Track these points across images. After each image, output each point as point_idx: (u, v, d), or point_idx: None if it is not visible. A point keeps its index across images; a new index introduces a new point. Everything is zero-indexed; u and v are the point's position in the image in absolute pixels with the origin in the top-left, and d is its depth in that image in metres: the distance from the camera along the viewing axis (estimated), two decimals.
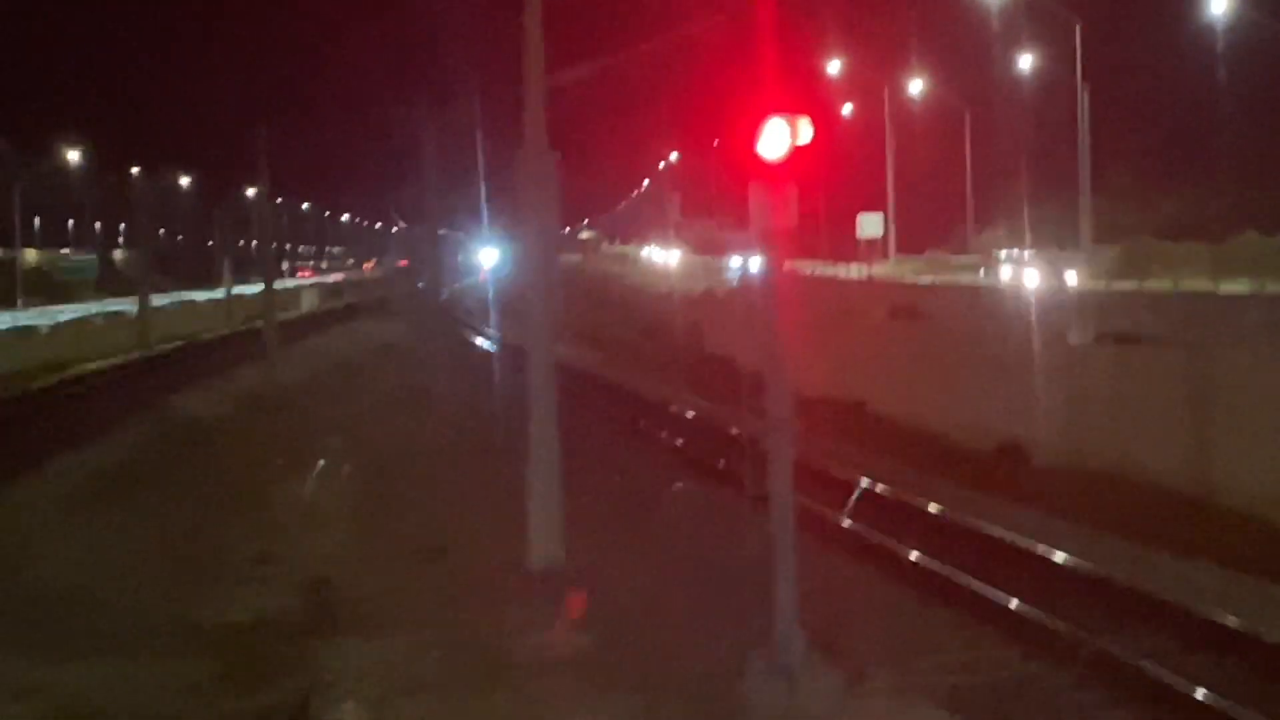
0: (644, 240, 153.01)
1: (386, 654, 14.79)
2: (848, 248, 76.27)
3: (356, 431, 32.68)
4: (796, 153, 11.47)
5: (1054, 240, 66.41)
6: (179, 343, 68.55)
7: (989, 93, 78.86)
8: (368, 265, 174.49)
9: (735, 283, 51.14)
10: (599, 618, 15.25)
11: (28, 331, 66.96)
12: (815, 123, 11.65)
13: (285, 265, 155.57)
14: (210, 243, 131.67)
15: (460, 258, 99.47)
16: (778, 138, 11.42)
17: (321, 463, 26.86)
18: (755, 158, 11.49)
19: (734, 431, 29.40)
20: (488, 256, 40.03)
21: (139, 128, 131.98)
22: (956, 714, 13.02)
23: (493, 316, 61.47)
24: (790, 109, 11.48)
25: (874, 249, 76.86)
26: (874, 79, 79.92)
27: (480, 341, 62.28)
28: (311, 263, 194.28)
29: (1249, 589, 17.20)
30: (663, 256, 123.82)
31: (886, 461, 27.37)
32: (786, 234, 11.87)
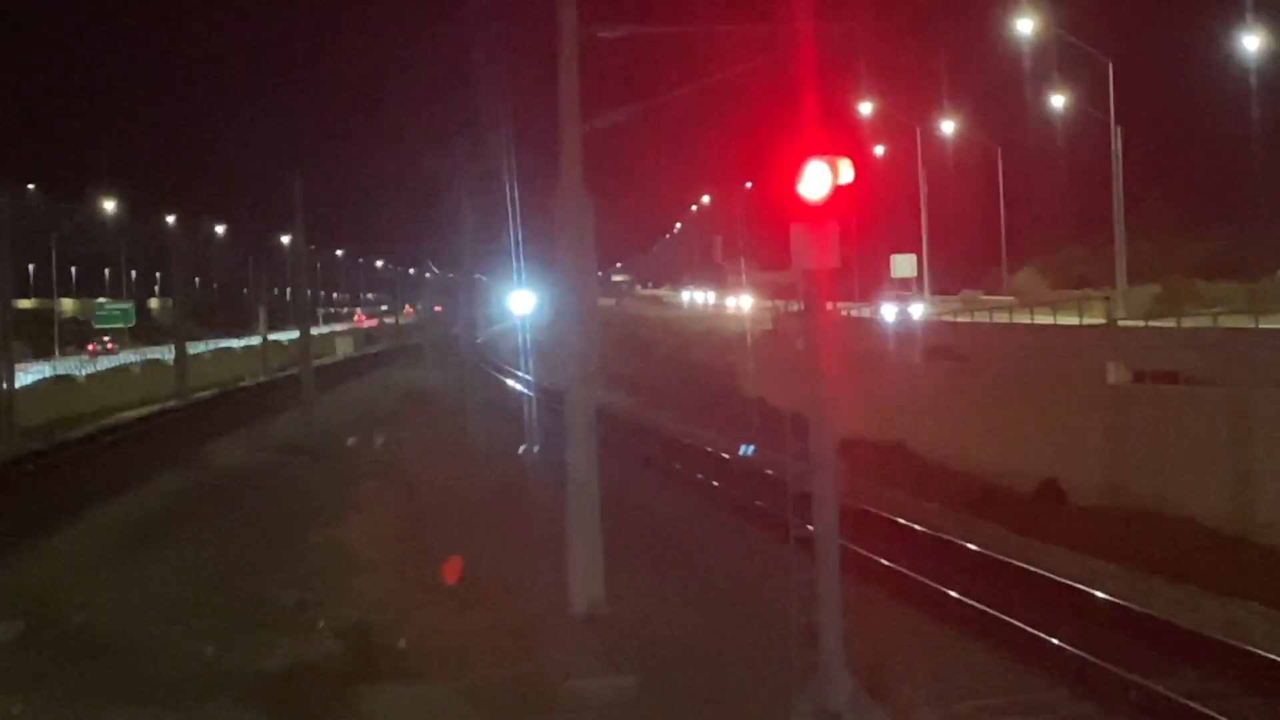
0: (682, 283, 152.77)
1: (429, 700, 14.76)
2: (880, 288, 76.14)
3: (392, 478, 32.72)
4: (838, 193, 11.48)
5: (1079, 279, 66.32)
6: (216, 390, 68.88)
7: (1022, 133, 78.75)
8: (408, 310, 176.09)
9: (893, 333, 50.55)
10: (642, 660, 15.21)
11: (66, 380, 67.26)
12: (854, 164, 11.66)
13: (331, 310, 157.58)
14: (246, 290, 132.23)
15: (494, 303, 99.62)
16: (819, 179, 11.43)
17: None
18: (797, 198, 11.49)
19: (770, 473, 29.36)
20: (521, 301, 39.97)
21: (175, 176, 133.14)
22: None
23: (527, 362, 61.49)
24: (831, 150, 11.49)
25: (907, 290, 76.71)
26: (907, 120, 79.89)
27: (516, 387, 62.31)
28: (360, 309, 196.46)
29: None
30: (702, 298, 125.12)
31: (926, 503, 27.26)
32: (829, 274, 11.87)
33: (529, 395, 50.12)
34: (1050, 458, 29.50)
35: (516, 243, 37.33)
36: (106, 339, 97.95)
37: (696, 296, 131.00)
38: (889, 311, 64.00)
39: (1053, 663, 15.69)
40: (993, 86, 77.96)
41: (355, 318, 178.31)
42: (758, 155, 12.35)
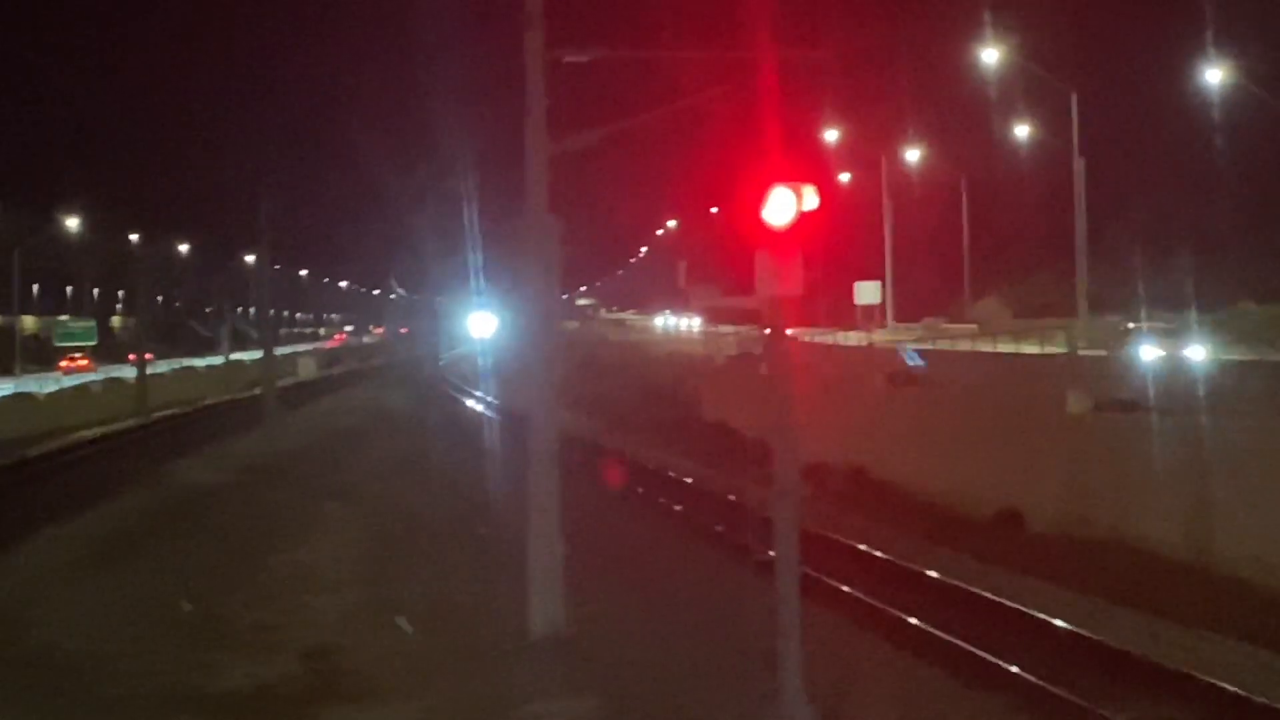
0: (652, 309, 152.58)
1: None
2: (845, 315, 76.50)
3: (354, 498, 32.64)
4: (802, 219, 11.54)
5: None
6: (177, 409, 68.58)
7: (986, 162, 79.26)
8: (378, 330, 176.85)
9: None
10: (603, 682, 15.22)
11: (26, 398, 66.93)
12: (819, 191, 11.73)
13: (294, 330, 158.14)
14: (209, 309, 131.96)
15: (458, 325, 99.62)
16: (783, 205, 11.48)
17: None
18: (761, 225, 11.55)
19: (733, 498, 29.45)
20: (484, 323, 39.95)
21: (138, 195, 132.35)
22: None
23: (489, 384, 61.51)
24: (795, 177, 11.56)
25: (871, 316, 77.12)
26: (871, 149, 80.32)
27: (478, 408, 62.29)
28: (348, 328, 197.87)
29: (1244, 655, 17.19)
30: (675, 323, 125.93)
31: (886, 529, 27.38)
32: (794, 301, 11.93)
33: (492, 417, 50.17)
34: (1010, 485, 29.65)
35: (478, 266, 37.38)
36: (79, 355, 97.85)
37: (670, 322, 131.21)
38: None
39: (1010, 689, 15.78)
40: (958, 115, 78.48)
41: (336, 336, 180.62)
42: (723, 181, 12.36)
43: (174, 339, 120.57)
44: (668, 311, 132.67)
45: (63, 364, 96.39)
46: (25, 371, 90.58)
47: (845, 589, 20.78)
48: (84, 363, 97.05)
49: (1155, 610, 19.69)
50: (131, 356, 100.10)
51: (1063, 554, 24.83)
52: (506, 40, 17.63)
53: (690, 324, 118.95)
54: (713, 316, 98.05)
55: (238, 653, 18.24)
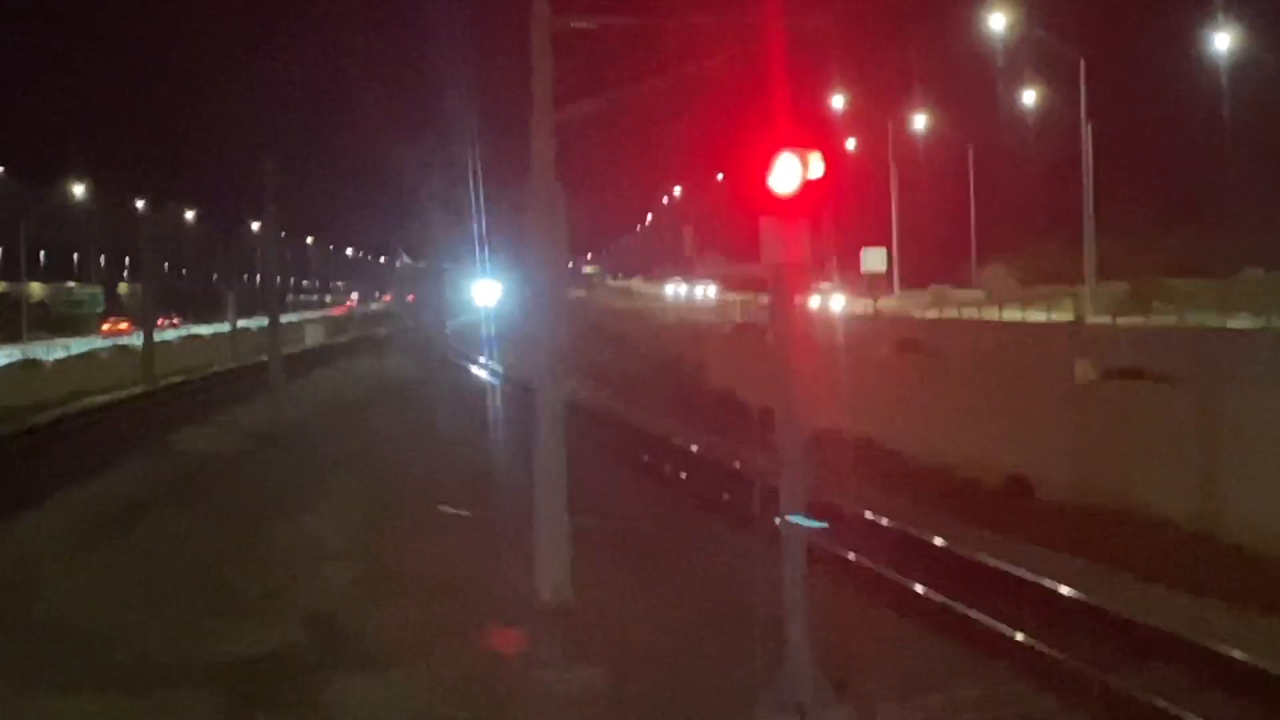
0: (660, 276, 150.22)
1: (394, 689, 14.74)
2: (851, 282, 76.26)
3: (360, 467, 32.65)
4: (808, 187, 11.46)
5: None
6: (184, 377, 68.60)
7: (993, 129, 79.02)
8: (387, 298, 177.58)
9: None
10: (608, 651, 15.22)
11: (33, 365, 66.98)
12: (825, 158, 11.64)
13: (300, 297, 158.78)
14: (215, 276, 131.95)
15: (465, 292, 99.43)
16: (789, 172, 11.40)
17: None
18: (767, 192, 11.47)
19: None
20: (488, 291, 39.85)
21: (145, 162, 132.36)
22: None
23: (496, 351, 61.49)
24: (801, 144, 11.48)
25: (878, 284, 76.86)
26: (878, 115, 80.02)
27: (484, 376, 62.24)
28: (354, 295, 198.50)
29: (1252, 624, 17.15)
30: (685, 291, 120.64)
31: (894, 497, 27.34)
32: (799, 269, 11.85)
33: (498, 386, 50.17)
34: (1018, 454, 29.59)
35: (483, 234, 37.29)
36: (120, 319, 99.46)
37: (680, 290, 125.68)
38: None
39: (1017, 657, 15.75)
40: (965, 82, 78.18)
41: (350, 300, 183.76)
42: (729, 148, 12.28)
43: (180, 306, 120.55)
44: (678, 279, 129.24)
45: (105, 327, 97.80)
46: (33, 338, 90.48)
47: (851, 557, 20.74)
48: (124, 326, 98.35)
49: (1164, 579, 19.65)
50: (175, 319, 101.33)
51: (1072, 522, 24.78)
52: (513, 6, 17.57)
53: (705, 292, 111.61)
54: (729, 284, 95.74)
55: (244, 620, 18.25)
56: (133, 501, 29.01)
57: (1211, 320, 41.38)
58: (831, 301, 67.68)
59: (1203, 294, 49.70)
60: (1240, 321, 40.18)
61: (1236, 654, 15.06)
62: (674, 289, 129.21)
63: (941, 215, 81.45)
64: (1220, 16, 59.18)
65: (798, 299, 12.19)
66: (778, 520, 12.14)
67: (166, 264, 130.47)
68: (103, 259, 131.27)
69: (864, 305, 71.46)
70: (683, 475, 31.20)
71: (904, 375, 38.98)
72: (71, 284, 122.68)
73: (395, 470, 31.90)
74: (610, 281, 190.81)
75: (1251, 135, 62.91)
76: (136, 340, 73.60)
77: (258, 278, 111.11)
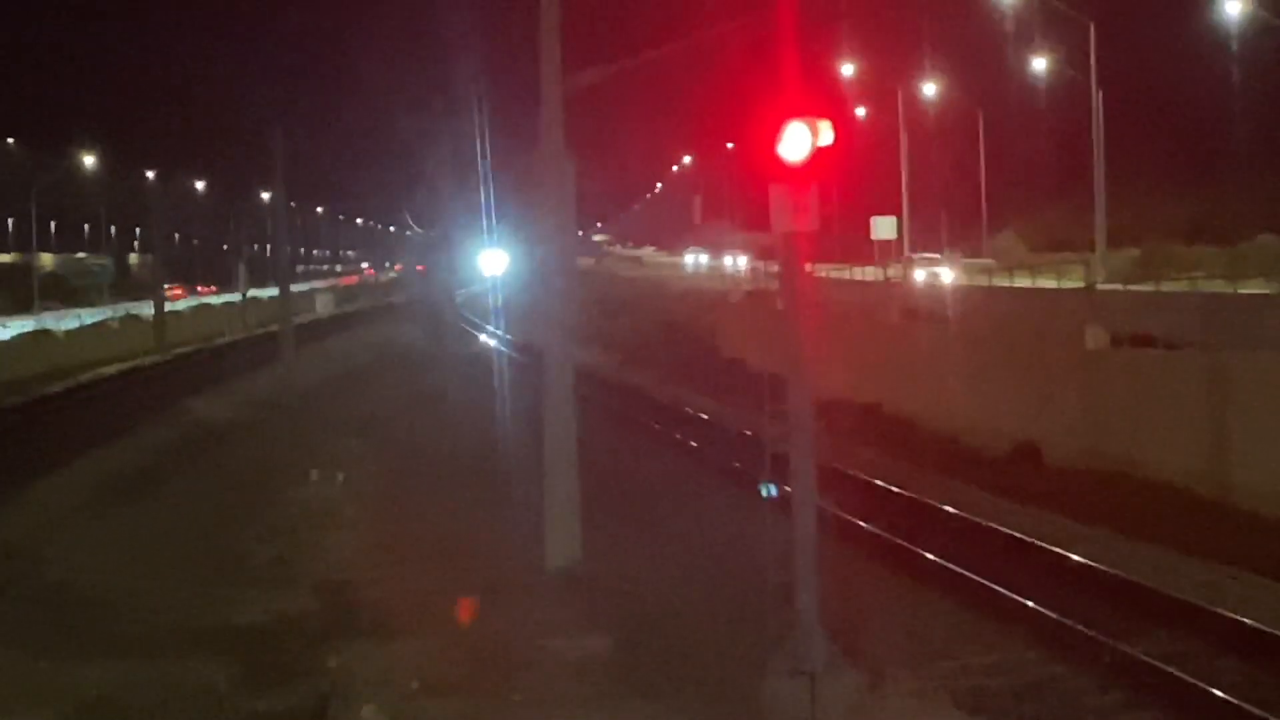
0: (670, 245, 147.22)
1: (405, 655, 14.79)
2: (861, 250, 76.13)
3: (371, 435, 32.74)
4: (818, 155, 11.45)
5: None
6: (194, 346, 68.74)
7: (1003, 96, 78.86)
8: (398, 267, 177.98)
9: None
10: (618, 618, 15.27)
11: (46, 335, 67.13)
12: (834, 126, 11.64)
13: (310, 267, 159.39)
14: (225, 246, 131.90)
15: (475, 262, 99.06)
16: (799, 140, 11.40)
17: (314, 474, 26.52)
18: (777, 160, 11.47)
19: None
20: (496, 261, 39.75)
21: (155, 132, 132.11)
22: (978, 715, 12.98)
23: (505, 321, 61.38)
24: (811, 112, 11.47)
25: (888, 251, 76.74)
26: (888, 83, 79.85)
27: (494, 345, 62.25)
28: (365, 265, 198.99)
29: (1263, 590, 17.15)
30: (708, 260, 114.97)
31: (903, 464, 27.36)
32: (809, 236, 11.86)
33: (508, 354, 50.17)
34: (1027, 420, 29.58)
35: (491, 202, 37.24)
36: (173, 285, 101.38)
37: (701, 260, 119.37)
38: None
39: (1027, 624, 15.77)
40: (975, 49, 78.01)
41: (365, 269, 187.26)
42: (738, 116, 12.29)
43: (190, 276, 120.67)
44: (698, 248, 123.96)
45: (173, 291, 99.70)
46: (44, 308, 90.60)
47: (861, 524, 20.77)
48: (177, 291, 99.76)
49: (1173, 544, 19.65)
50: (214, 286, 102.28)
51: (1080, 488, 24.79)
52: None
53: (735, 262, 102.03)
54: (762, 254, 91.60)
55: (256, 587, 18.34)
56: (145, 468, 29.14)
57: (1221, 286, 41.34)
58: (941, 274, 66.41)
59: (1212, 260, 49.66)
60: (1251, 287, 40.15)
61: (1247, 620, 15.07)
62: (693, 258, 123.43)
63: (952, 182, 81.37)
64: None
65: (806, 266, 12.17)
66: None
67: (177, 234, 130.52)
68: (113, 229, 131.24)
69: (873, 273, 71.31)
70: (693, 443, 31.19)
71: (912, 342, 38.85)
72: (82, 254, 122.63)
73: (404, 436, 31.99)
74: (619, 250, 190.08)
75: (1261, 102, 62.77)
76: (147, 309, 73.71)
77: (268, 247, 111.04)
